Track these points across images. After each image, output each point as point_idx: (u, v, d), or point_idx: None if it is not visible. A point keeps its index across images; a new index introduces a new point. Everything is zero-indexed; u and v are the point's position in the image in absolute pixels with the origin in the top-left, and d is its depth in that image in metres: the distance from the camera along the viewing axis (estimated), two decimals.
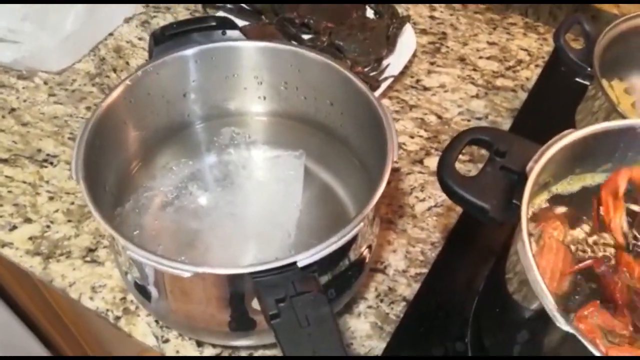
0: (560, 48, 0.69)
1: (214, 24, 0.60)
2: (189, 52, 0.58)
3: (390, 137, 0.52)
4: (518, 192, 0.49)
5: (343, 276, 0.55)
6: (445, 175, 0.50)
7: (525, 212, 0.47)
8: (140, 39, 0.88)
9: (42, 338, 1.12)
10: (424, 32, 0.90)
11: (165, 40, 0.59)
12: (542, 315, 0.49)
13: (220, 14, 0.85)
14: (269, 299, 0.44)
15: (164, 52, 0.59)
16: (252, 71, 0.62)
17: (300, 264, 0.45)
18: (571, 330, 0.42)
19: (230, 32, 0.60)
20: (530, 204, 0.50)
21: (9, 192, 0.71)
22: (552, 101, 0.82)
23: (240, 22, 0.77)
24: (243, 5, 0.87)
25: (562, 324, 0.42)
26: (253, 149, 0.65)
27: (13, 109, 0.79)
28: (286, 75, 0.62)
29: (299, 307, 0.44)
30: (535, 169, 0.50)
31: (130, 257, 0.48)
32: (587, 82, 0.74)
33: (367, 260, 0.58)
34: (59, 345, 1.16)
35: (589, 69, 0.68)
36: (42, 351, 1.12)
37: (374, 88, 0.76)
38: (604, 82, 0.68)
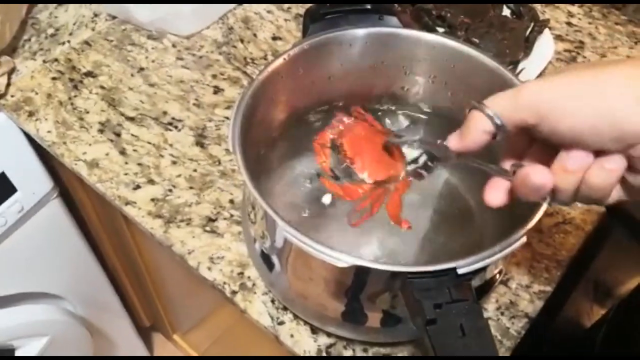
0: None
1: (369, 7, 0.59)
2: (352, 33, 0.57)
3: None
4: None
5: (478, 288, 0.53)
6: None
7: None
8: (268, 12, 0.87)
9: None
10: (560, 38, 0.85)
11: (320, 18, 0.58)
12: None
13: None
14: (427, 303, 0.42)
15: (319, 31, 0.57)
16: (403, 60, 0.60)
17: (459, 271, 0.43)
18: None
19: (388, 19, 0.58)
20: None
21: (134, 150, 0.71)
22: None
23: None
24: None
25: None
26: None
27: (142, 68, 0.79)
28: (437, 68, 0.59)
29: (455, 315, 0.42)
30: None
31: (285, 238, 0.47)
32: None
33: (501, 274, 0.55)
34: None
35: None
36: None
37: None
38: None
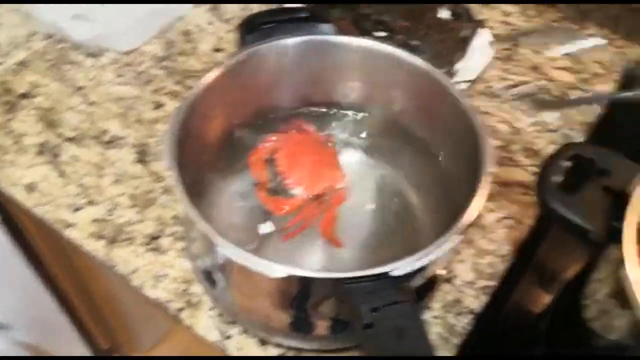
0: None
1: (305, 15, 0.59)
2: (283, 42, 0.57)
3: (487, 148, 0.50)
4: (619, 213, 0.47)
5: (420, 288, 0.53)
6: (545, 192, 0.48)
7: (628, 237, 0.45)
8: (209, 23, 0.87)
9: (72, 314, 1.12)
10: (497, 37, 0.87)
11: (256, 28, 0.58)
12: (624, 347, 0.48)
13: (295, 5, 0.83)
14: (364, 307, 0.42)
15: (255, 41, 0.57)
16: (342, 67, 0.60)
17: (394, 273, 0.44)
18: None
19: (322, 26, 0.58)
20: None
21: (74, 171, 0.70)
22: (628, 117, 0.79)
23: None
24: None
25: None
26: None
27: (80, 87, 0.78)
28: (376, 74, 0.60)
29: (392, 318, 0.42)
30: (637, 190, 0.48)
31: (222, 254, 0.46)
32: None
33: (443, 272, 0.56)
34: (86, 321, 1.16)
35: None
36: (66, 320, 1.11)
37: None
38: None
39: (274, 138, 0.61)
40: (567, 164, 0.52)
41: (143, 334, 1.18)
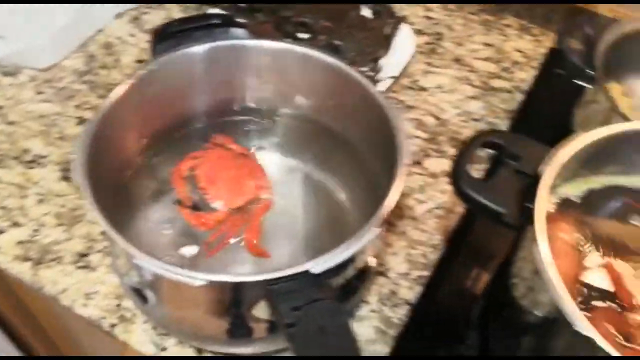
0: (564, 50, 0.69)
1: (218, 21, 0.59)
2: (195, 50, 0.56)
3: (402, 141, 0.51)
4: (531, 195, 0.48)
5: (350, 283, 0.53)
6: (459, 179, 0.49)
7: (539, 216, 0.47)
8: (131, 35, 0.85)
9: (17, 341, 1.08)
10: (419, 32, 0.89)
11: (168, 37, 0.57)
12: (551, 321, 0.49)
13: (216, 11, 0.83)
14: (284, 307, 0.42)
15: (167, 50, 0.57)
16: (256, 71, 0.60)
17: (314, 271, 0.44)
18: (590, 334, 0.42)
19: (234, 31, 0.58)
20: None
21: None
22: (548, 103, 0.82)
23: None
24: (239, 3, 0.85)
25: (582, 328, 0.42)
26: (258, 151, 0.64)
27: None
28: (291, 75, 0.60)
29: (315, 315, 0.43)
30: (547, 172, 0.49)
31: (136, 264, 0.46)
32: (585, 84, 0.74)
33: (374, 265, 0.57)
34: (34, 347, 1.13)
35: (590, 71, 0.68)
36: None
37: None
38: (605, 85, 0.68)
39: (194, 154, 0.61)
40: (489, 152, 0.53)
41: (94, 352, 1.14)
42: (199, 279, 0.43)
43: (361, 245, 0.45)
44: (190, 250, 0.59)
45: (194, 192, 0.61)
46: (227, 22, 0.57)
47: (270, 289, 0.44)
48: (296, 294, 0.43)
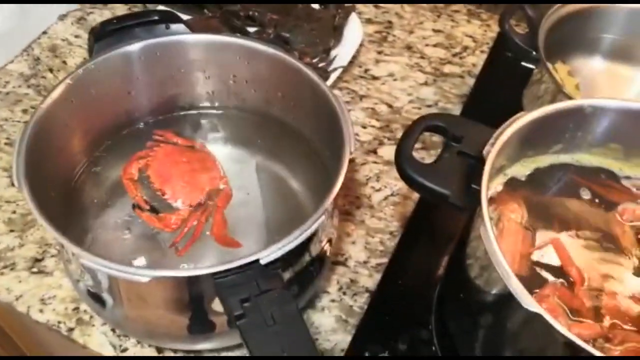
0: (506, 33, 0.70)
1: (156, 18, 0.58)
2: (133, 47, 0.56)
3: (346, 128, 0.51)
4: (477, 176, 0.49)
5: (305, 271, 0.54)
6: (403, 164, 0.50)
7: (485, 196, 0.48)
8: (77, 36, 0.84)
9: None
10: (369, 21, 0.89)
11: (106, 36, 0.57)
12: (504, 298, 0.50)
13: (161, 8, 0.82)
14: (232, 300, 0.42)
15: (105, 48, 0.56)
16: (199, 65, 0.60)
17: (262, 262, 0.44)
18: (536, 310, 0.42)
19: (174, 26, 0.57)
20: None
21: None
22: (499, 85, 0.83)
23: (183, 16, 0.74)
24: None
25: (527, 304, 0.42)
26: (208, 145, 0.64)
27: None
28: (235, 68, 0.60)
29: (264, 306, 0.43)
30: (492, 153, 0.50)
31: (82, 265, 0.45)
32: (532, 66, 0.75)
33: (328, 253, 0.57)
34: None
35: (534, 53, 0.69)
36: None
37: (323, 79, 0.75)
38: (549, 65, 0.69)
39: (140, 154, 0.60)
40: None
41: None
42: (145, 275, 0.43)
43: (309, 232, 0.46)
44: (139, 262, 0.57)
45: (150, 194, 0.60)
46: (166, 19, 0.57)
47: (218, 282, 0.44)
48: (245, 286, 0.43)
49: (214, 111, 0.64)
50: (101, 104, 0.57)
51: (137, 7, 0.88)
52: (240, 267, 0.43)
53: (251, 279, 0.43)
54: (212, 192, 0.61)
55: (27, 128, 0.50)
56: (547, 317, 0.42)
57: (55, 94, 0.53)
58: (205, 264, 0.59)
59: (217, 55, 0.59)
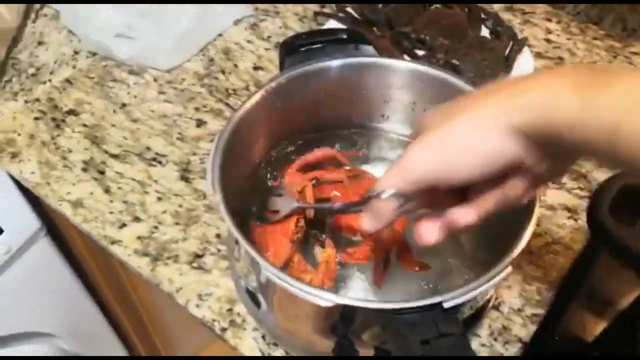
0: None
1: (345, 37, 0.59)
2: (326, 64, 0.57)
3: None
4: None
5: (471, 316, 0.52)
6: (600, 220, 0.47)
7: None
8: (248, 41, 0.87)
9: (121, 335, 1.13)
10: (539, 55, 0.86)
11: (296, 51, 0.58)
12: None
13: (332, 23, 0.84)
14: (414, 339, 0.41)
15: (296, 63, 0.57)
16: (381, 89, 0.60)
17: (445, 305, 0.43)
18: None
19: (363, 47, 0.58)
20: None
21: (119, 188, 0.71)
22: None
23: None
24: (355, 15, 0.85)
25: None
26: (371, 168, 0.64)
27: (124, 104, 0.79)
28: (416, 95, 0.60)
29: (442, 350, 0.42)
30: None
31: (268, 279, 0.46)
32: None
33: (492, 300, 0.55)
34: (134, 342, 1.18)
35: None
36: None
37: None
38: None
39: (314, 175, 0.60)
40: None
41: (182, 344, 1.18)
42: (329, 300, 0.43)
43: (495, 282, 0.44)
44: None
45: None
46: (354, 38, 0.57)
47: (397, 319, 0.43)
48: (425, 327, 0.42)
49: (387, 135, 0.64)
50: (285, 116, 0.59)
51: (307, 17, 0.90)
52: (422, 307, 0.43)
53: (430, 321, 0.43)
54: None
55: (223, 134, 0.52)
56: None
57: (249, 103, 0.55)
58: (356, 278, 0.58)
59: (401, 81, 0.58)
